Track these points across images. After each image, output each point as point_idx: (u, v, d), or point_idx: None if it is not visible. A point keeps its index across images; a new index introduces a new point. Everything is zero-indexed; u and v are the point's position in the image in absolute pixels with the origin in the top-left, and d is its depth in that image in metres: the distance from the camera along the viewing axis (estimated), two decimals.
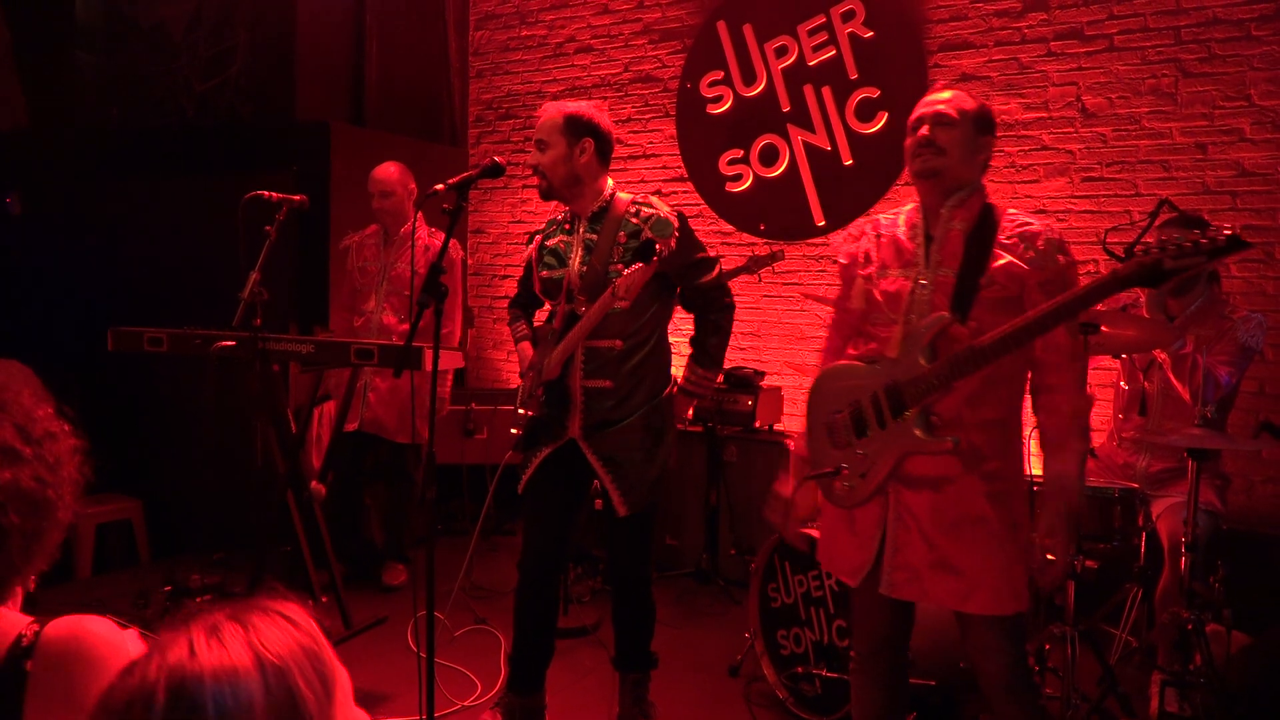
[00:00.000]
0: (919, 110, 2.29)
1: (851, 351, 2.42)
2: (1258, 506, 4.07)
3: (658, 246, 2.68)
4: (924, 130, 2.25)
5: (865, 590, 2.34)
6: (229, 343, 3.52)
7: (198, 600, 3.92)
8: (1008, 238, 2.18)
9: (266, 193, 3.75)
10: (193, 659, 0.82)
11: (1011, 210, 2.24)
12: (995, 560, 2.15)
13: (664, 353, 2.95)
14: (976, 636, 2.23)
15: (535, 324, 3.12)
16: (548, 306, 3.06)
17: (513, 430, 2.94)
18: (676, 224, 2.83)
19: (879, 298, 2.31)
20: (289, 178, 4.93)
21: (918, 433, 2.17)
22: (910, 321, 2.22)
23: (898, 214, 2.37)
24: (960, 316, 2.15)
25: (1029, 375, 2.24)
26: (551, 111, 2.83)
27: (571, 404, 2.85)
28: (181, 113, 5.77)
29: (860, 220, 2.48)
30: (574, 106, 2.84)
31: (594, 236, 2.84)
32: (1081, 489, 2.21)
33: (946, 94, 2.28)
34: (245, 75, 5.56)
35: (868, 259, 2.36)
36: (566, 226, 2.93)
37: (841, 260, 2.45)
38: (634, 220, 2.83)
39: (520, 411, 2.92)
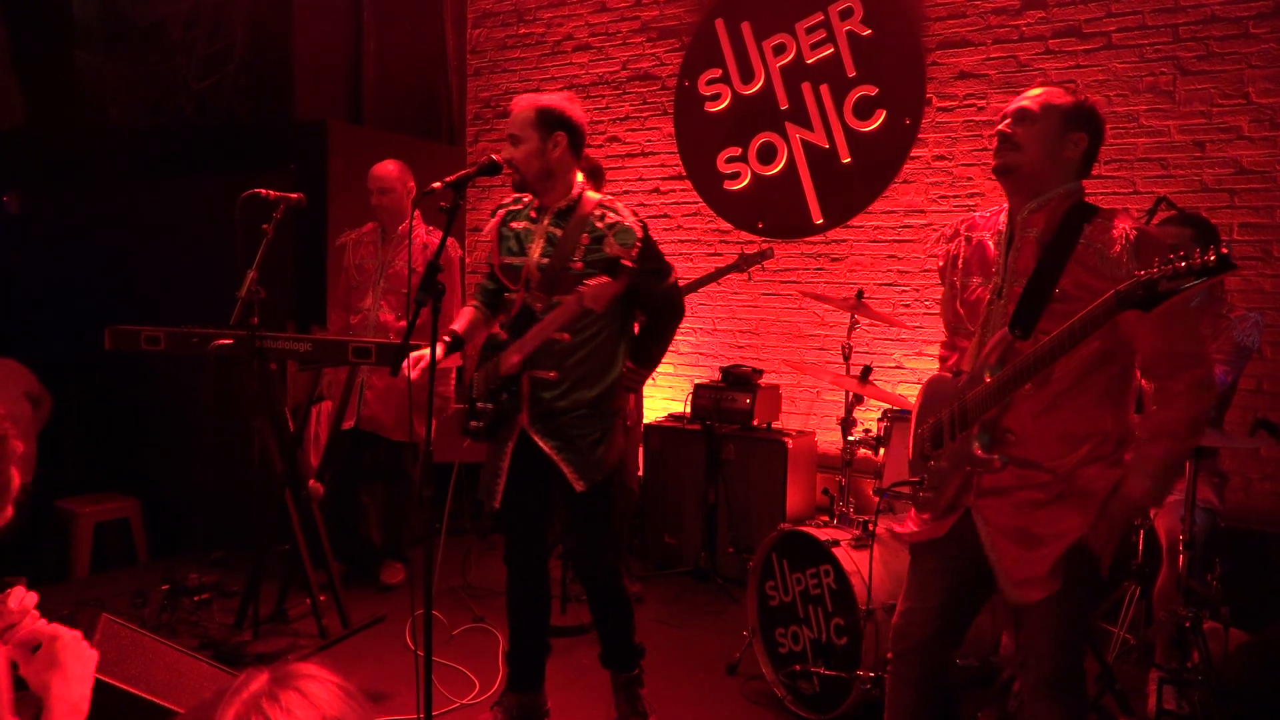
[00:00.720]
0: (1006, 106, 2.24)
1: (950, 361, 2.40)
2: (1256, 504, 4.07)
3: (624, 263, 2.68)
4: (1004, 125, 2.19)
5: (913, 591, 2.35)
6: (226, 341, 3.52)
7: (195, 599, 3.92)
8: (1086, 245, 2.08)
9: (264, 191, 3.75)
10: None
11: (1106, 213, 2.12)
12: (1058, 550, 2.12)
13: (613, 346, 2.91)
14: (1032, 636, 2.20)
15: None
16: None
17: (472, 424, 2.94)
18: (640, 234, 2.84)
19: (960, 310, 2.29)
20: (287, 176, 4.92)
21: (976, 447, 2.16)
22: (983, 335, 2.20)
23: (990, 214, 2.32)
24: (1021, 332, 2.10)
25: (1122, 382, 2.16)
26: (524, 105, 2.82)
27: (520, 394, 2.86)
28: (179, 112, 5.76)
29: (956, 219, 2.44)
30: (546, 99, 2.83)
31: (558, 231, 2.85)
32: (1147, 499, 2.08)
33: (1038, 90, 2.21)
34: (243, 74, 5.56)
35: (955, 263, 2.33)
36: (532, 215, 2.92)
37: (939, 261, 2.42)
38: (599, 225, 2.82)
39: (480, 405, 2.93)
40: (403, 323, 4.31)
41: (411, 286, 2.68)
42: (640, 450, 4.45)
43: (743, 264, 4.38)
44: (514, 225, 2.94)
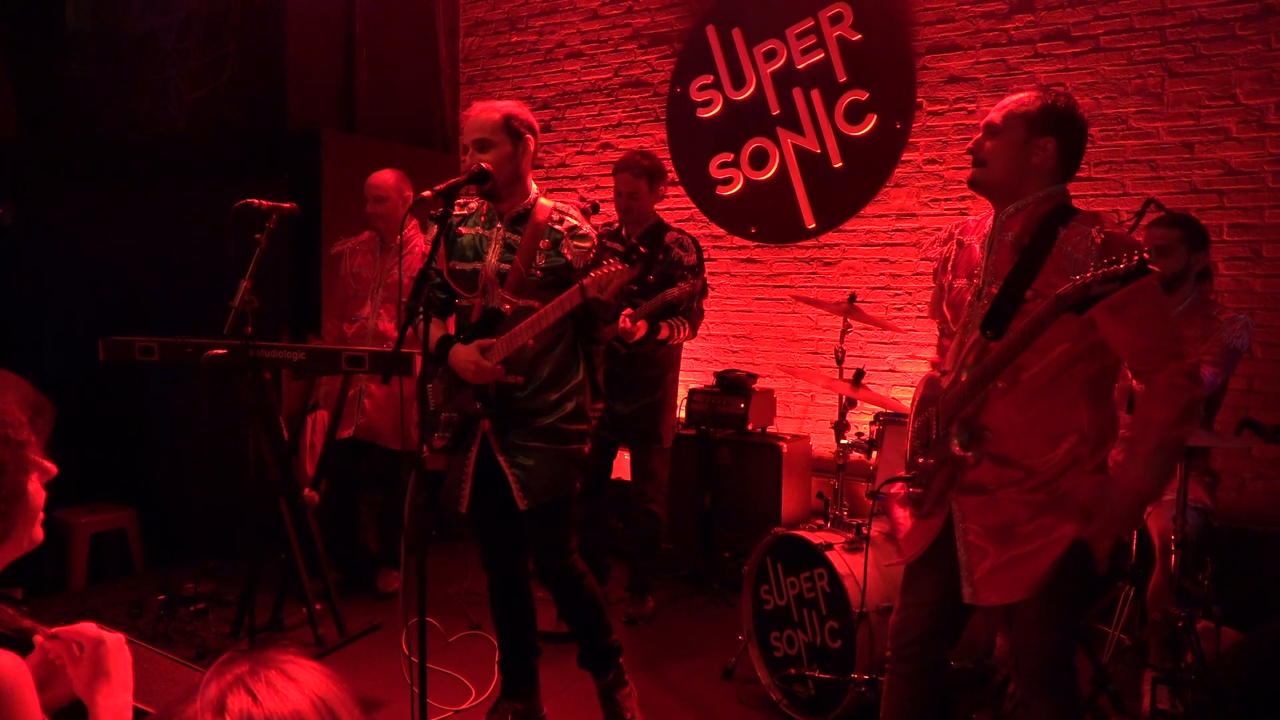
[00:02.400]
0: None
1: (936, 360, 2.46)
2: (1248, 504, 4.08)
3: (641, 249, 2.68)
4: (972, 141, 2.22)
5: (907, 589, 2.37)
6: (221, 351, 3.52)
7: (191, 608, 3.92)
8: (1060, 248, 2.10)
9: (257, 200, 3.76)
10: (258, 705, 0.89)
11: (1085, 216, 2.14)
12: (1047, 558, 2.14)
13: (573, 352, 2.92)
14: (1022, 632, 2.23)
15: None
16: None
17: (437, 439, 2.91)
18: (594, 240, 2.87)
19: (946, 311, 2.34)
20: (281, 186, 4.93)
21: (954, 445, 2.19)
22: (963, 335, 2.24)
23: (981, 218, 2.34)
24: (993, 333, 2.13)
25: (1108, 386, 2.18)
26: (489, 111, 2.80)
27: (488, 399, 2.86)
28: (172, 121, 5.77)
29: (951, 223, 2.47)
30: (509, 106, 2.84)
31: (515, 237, 2.85)
32: (1145, 484, 2.08)
33: (1010, 97, 2.21)
34: (236, 83, 5.56)
35: (946, 265, 2.37)
36: (482, 219, 2.92)
37: (933, 262, 2.45)
38: (558, 228, 2.84)
39: (444, 417, 2.91)
40: None
41: (401, 292, 2.68)
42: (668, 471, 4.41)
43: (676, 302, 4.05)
44: (464, 230, 2.93)
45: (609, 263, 2.67)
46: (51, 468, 1.44)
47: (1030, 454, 2.15)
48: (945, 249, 2.40)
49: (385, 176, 4.39)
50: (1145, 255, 1.84)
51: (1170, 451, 2.09)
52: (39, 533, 1.43)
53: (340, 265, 4.54)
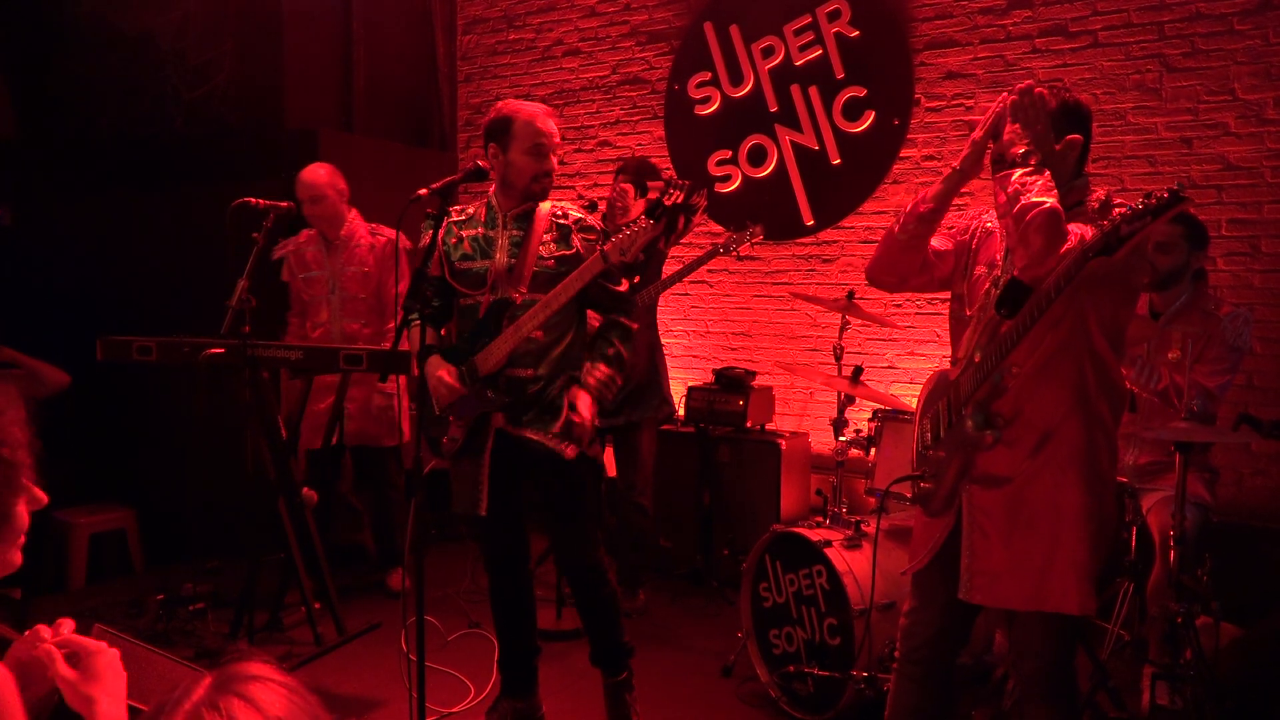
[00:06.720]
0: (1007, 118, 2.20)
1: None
2: (1248, 499, 4.08)
3: (666, 202, 2.72)
4: (1017, 149, 2.14)
5: (916, 591, 2.37)
6: (218, 350, 3.52)
7: (190, 608, 3.92)
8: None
9: (254, 200, 3.75)
10: None
11: (1099, 199, 2.15)
12: (1063, 554, 2.13)
13: (579, 344, 2.98)
14: (1022, 633, 2.22)
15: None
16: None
17: (446, 442, 2.90)
18: (599, 231, 2.94)
19: (964, 291, 2.35)
20: (278, 186, 4.92)
21: (969, 426, 2.19)
22: (978, 320, 2.25)
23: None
24: (1007, 311, 2.13)
25: (1103, 370, 2.18)
26: (553, 125, 2.91)
27: (500, 388, 2.87)
28: (169, 122, 5.76)
29: (969, 212, 2.46)
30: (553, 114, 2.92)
31: (518, 233, 2.90)
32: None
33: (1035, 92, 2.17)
34: (233, 83, 5.55)
35: (971, 242, 2.36)
36: (483, 220, 2.95)
37: (955, 224, 2.43)
38: (563, 222, 2.92)
39: (451, 419, 2.91)
40: (369, 330, 4.27)
41: (399, 292, 2.68)
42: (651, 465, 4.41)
43: (726, 247, 4.19)
44: (465, 233, 2.95)
45: (631, 225, 2.74)
46: (42, 496, 1.41)
47: (1044, 438, 2.15)
48: (972, 225, 2.39)
49: (317, 174, 4.24)
50: (1174, 186, 1.83)
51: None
52: (17, 557, 1.41)
53: (284, 270, 4.33)
